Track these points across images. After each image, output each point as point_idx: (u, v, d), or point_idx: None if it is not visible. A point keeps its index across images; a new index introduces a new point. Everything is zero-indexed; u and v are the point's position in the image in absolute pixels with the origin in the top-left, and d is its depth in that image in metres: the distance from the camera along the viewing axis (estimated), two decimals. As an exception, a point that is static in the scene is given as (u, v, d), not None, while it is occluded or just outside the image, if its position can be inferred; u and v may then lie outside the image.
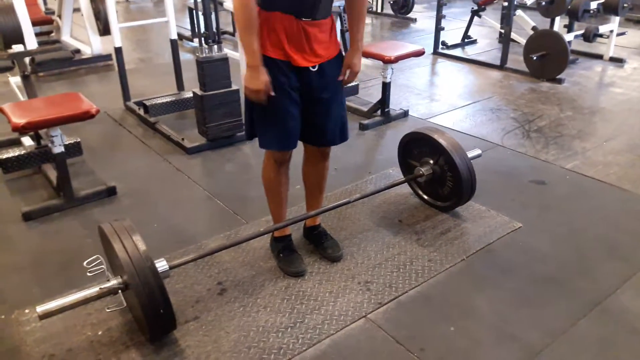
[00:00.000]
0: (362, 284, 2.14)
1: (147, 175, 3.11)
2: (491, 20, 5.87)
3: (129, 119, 3.95)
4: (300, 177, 2.30)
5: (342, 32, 4.41)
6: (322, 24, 1.90)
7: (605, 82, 4.74)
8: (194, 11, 5.27)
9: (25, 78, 3.21)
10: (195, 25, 5.66)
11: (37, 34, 4.62)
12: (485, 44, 5.96)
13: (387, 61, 3.60)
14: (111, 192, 2.84)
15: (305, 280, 2.16)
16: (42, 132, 2.94)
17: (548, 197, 2.81)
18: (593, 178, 2.99)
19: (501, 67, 5.02)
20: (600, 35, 5.04)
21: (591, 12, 4.79)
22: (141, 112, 3.88)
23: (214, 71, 3.25)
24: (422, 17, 7.34)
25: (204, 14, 3.51)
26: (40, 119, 2.48)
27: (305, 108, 1.99)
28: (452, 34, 5.98)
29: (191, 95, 3.58)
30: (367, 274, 2.20)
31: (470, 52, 5.69)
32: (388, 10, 7.57)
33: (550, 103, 4.17)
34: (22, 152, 2.93)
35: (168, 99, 3.94)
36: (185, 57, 5.26)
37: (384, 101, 3.80)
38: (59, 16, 5.72)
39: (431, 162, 2.56)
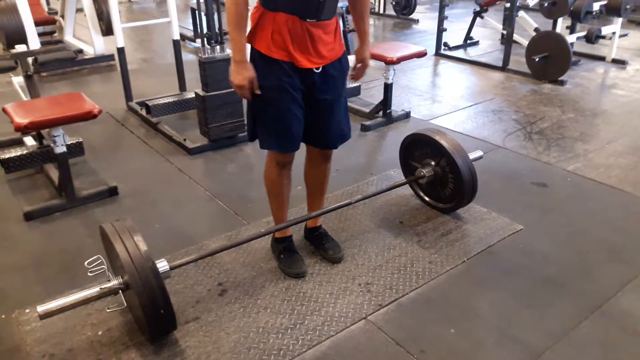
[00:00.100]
0: (363, 285, 2.14)
1: (148, 176, 3.12)
2: (493, 21, 5.87)
3: (131, 119, 3.95)
4: (302, 178, 2.30)
5: (345, 33, 4.41)
6: (326, 25, 1.90)
7: (608, 84, 4.73)
8: (197, 12, 5.27)
9: (28, 78, 3.22)
10: (198, 26, 5.65)
11: (40, 34, 4.63)
12: (488, 46, 5.95)
13: (389, 62, 3.60)
14: (113, 192, 2.85)
15: (305, 281, 2.16)
16: (44, 132, 2.95)
17: (549, 199, 2.80)
18: (594, 180, 2.98)
19: (503, 68, 5.02)
20: (603, 37, 5.04)
21: (593, 13, 4.78)
22: (143, 112, 3.89)
23: (216, 72, 3.26)
24: (424, 18, 7.34)
25: (206, 15, 3.51)
26: (43, 119, 2.49)
27: (307, 110, 1.99)
28: (454, 35, 5.98)
29: (193, 95, 3.59)
30: (368, 275, 2.19)
31: (472, 53, 5.69)
32: (390, 11, 7.57)
33: (552, 105, 4.16)
34: (25, 151, 2.93)
35: (170, 100, 3.95)
36: (188, 57, 5.27)
37: (386, 102, 3.80)
38: (62, 16, 5.74)
39: (433, 163, 2.56)
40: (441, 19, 5.48)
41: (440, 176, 2.55)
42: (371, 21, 7.18)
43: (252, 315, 1.98)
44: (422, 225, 2.55)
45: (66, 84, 4.78)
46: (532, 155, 3.31)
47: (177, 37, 4.08)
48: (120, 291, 1.81)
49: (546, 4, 4.69)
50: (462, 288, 2.14)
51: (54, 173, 2.93)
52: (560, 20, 4.88)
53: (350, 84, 4.13)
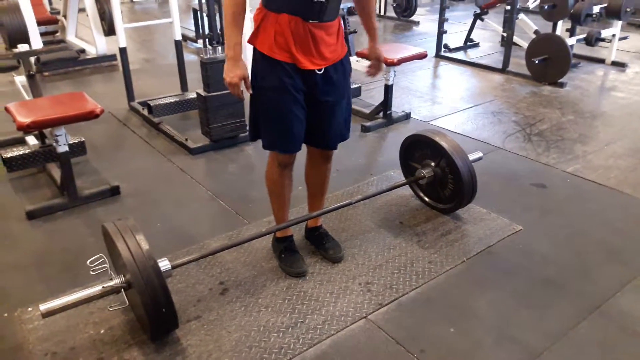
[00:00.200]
0: (363, 285, 2.15)
1: (150, 175, 3.13)
2: (494, 23, 5.89)
3: (133, 119, 3.97)
4: (303, 178, 2.31)
5: (346, 35, 4.42)
6: (329, 27, 1.91)
7: (607, 86, 4.75)
8: (199, 12, 5.30)
9: (30, 77, 3.24)
10: (200, 27, 5.69)
11: (42, 34, 4.65)
12: (488, 48, 5.97)
13: (390, 64, 3.61)
14: (115, 191, 2.86)
15: (306, 280, 2.17)
16: (46, 131, 2.96)
17: (549, 200, 2.82)
18: (594, 182, 3.00)
19: (503, 70, 5.04)
20: (603, 40, 5.05)
21: (593, 16, 4.79)
22: (145, 112, 3.91)
23: (217, 72, 3.27)
24: (425, 20, 7.36)
25: (208, 15, 3.53)
26: (45, 118, 2.50)
27: (309, 111, 2.00)
28: (454, 37, 5.99)
29: (195, 96, 3.61)
30: (368, 275, 2.21)
31: (472, 55, 5.70)
32: (391, 13, 7.59)
33: (552, 107, 4.18)
34: (27, 151, 2.95)
35: (172, 100, 3.97)
36: (190, 58, 5.28)
37: (386, 103, 3.82)
38: (64, 16, 5.76)
39: (432, 164, 2.58)
40: (441, 21, 5.49)
41: (440, 177, 2.56)
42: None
43: (253, 314, 2.00)
44: (421, 225, 2.56)
45: (68, 83, 4.80)
46: (531, 156, 3.32)
47: (179, 37, 4.09)
48: (122, 290, 1.82)
49: (546, 7, 4.70)
50: (462, 288, 2.15)
51: (56, 172, 2.94)
52: (560, 22, 4.90)
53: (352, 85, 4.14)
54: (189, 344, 1.86)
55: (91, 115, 2.60)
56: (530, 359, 1.81)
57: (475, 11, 5.80)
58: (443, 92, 4.60)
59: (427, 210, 2.69)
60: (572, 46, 4.71)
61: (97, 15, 5.10)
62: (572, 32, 5.05)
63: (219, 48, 3.40)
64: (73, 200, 2.74)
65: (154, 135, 3.66)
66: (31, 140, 3.18)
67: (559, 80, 4.62)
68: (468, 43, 5.92)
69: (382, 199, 2.77)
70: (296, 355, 1.82)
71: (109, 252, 1.98)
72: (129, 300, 1.94)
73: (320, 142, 2.12)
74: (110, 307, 1.92)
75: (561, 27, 4.96)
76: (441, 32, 5.54)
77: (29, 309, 2.01)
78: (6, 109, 2.63)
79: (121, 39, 3.88)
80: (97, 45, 5.26)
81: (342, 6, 4.09)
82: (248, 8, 1.93)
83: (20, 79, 3.68)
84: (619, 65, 5.18)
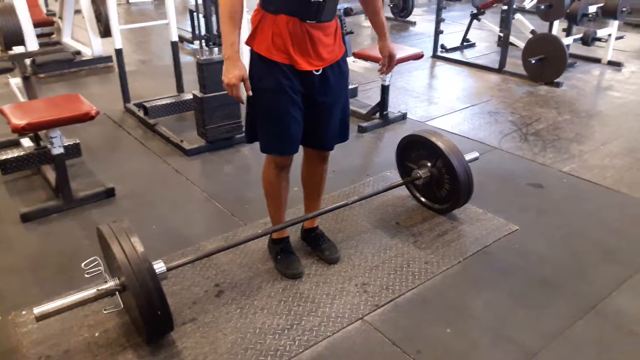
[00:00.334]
0: (359, 286, 2.15)
1: (146, 177, 3.12)
2: (490, 23, 5.89)
3: (128, 120, 3.96)
4: (299, 179, 2.30)
5: (343, 36, 4.42)
6: (326, 27, 1.90)
7: (603, 85, 4.76)
8: (195, 13, 5.29)
9: (25, 79, 3.23)
10: (196, 28, 5.67)
11: (38, 36, 4.63)
12: (484, 48, 5.97)
13: (380, 66, 3.60)
14: (110, 193, 2.85)
15: (302, 282, 2.17)
16: (41, 133, 2.95)
17: (545, 200, 2.82)
18: (590, 181, 3.00)
19: (500, 70, 5.04)
20: (599, 39, 5.06)
21: (590, 16, 4.80)
22: (141, 113, 3.90)
23: (213, 73, 3.26)
24: (422, 20, 7.36)
25: (204, 16, 3.53)
26: (40, 120, 2.49)
27: (306, 112, 1.99)
28: (451, 37, 6.00)
29: (191, 97, 3.60)
30: (364, 276, 2.20)
31: (469, 55, 5.71)
32: (388, 13, 7.58)
33: (548, 106, 4.18)
34: (22, 153, 2.94)
35: (168, 101, 3.96)
36: (186, 59, 5.27)
37: (383, 104, 3.82)
38: (60, 18, 5.75)
39: (429, 164, 2.57)
40: (438, 21, 5.49)
41: (436, 177, 2.56)
42: (367, 23, 7.17)
43: (249, 316, 1.99)
44: (418, 225, 2.56)
45: (64, 85, 4.79)
46: (527, 156, 3.32)
47: (175, 38, 4.08)
48: (117, 292, 1.81)
49: (543, 7, 4.71)
50: (458, 288, 2.15)
51: (51, 174, 2.93)
52: (556, 22, 4.90)
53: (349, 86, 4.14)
54: (184, 346, 1.85)
55: (86, 117, 2.59)
56: (526, 359, 1.80)
57: (471, 11, 5.80)
58: (439, 93, 4.60)
59: (424, 210, 2.69)
60: (568, 46, 4.72)
61: (93, 17, 5.08)
62: (568, 31, 5.06)
63: (215, 49, 3.39)
64: (68, 203, 2.72)
65: (149, 137, 3.65)
66: (26, 142, 3.17)
67: (556, 80, 4.63)
68: (465, 43, 5.92)
69: (379, 199, 2.77)
70: (292, 357, 1.81)
71: (104, 255, 1.97)
72: (123, 303, 1.93)
73: (317, 143, 2.12)
74: (105, 309, 1.90)
75: (557, 27, 4.97)
76: (438, 32, 5.54)
77: (23, 312, 2.00)
78: (1, 111, 2.62)
79: (117, 41, 3.87)
80: (93, 46, 5.24)
81: (339, 7, 4.09)
82: (245, 9, 1.91)
83: (15, 81, 3.67)
84: (615, 64, 5.20)
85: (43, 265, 2.31)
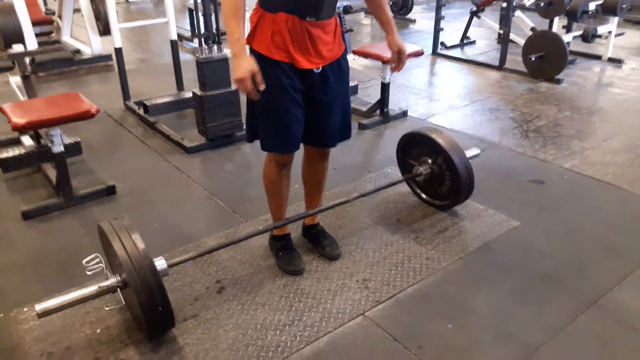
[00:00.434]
0: (360, 282, 2.15)
1: (146, 175, 3.12)
2: (490, 21, 5.88)
3: (129, 118, 3.96)
4: (300, 176, 2.30)
5: (342, 33, 4.42)
6: (325, 25, 1.90)
7: (604, 82, 4.75)
8: (194, 12, 5.29)
9: (25, 78, 3.23)
10: (195, 26, 5.67)
11: (37, 34, 4.62)
12: (484, 45, 5.97)
13: (387, 61, 3.60)
14: (111, 191, 2.85)
15: (303, 278, 2.17)
16: (42, 131, 2.95)
17: (546, 196, 2.82)
18: (591, 177, 2.99)
19: (500, 67, 5.03)
20: (599, 36, 5.05)
21: (590, 13, 4.79)
22: (141, 112, 3.90)
23: (213, 71, 3.27)
24: (422, 17, 7.36)
25: (203, 15, 3.52)
26: (40, 118, 2.49)
27: (307, 109, 1.99)
28: (451, 34, 5.99)
29: (191, 95, 3.59)
30: (365, 272, 2.20)
31: (469, 52, 5.70)
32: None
33: (549, 103, 4.18)
34: (22, 151, 2.93)
35: (168, 99, 3.96)
36: (185, 57, 5.27)
37: (383, 101, 3.81)
38: (59, 16, 5.74)
39: (430, 161, 2.57)
40: (438, 18, 5.49)
41: (437, 174, 2.56)
42: (367, 21, 7.19)
43: (250, 312, 1.99)
44: (419, 222, 2.56)
45: (63, 84, 4.78)
46: (528, 153, 3.32)
47: (174, 37, 4.08)
48: (118, 289, 1.81)
49: (542, 4, 4.70)
50: (459, 284, 2.15)
51: (51, 172, 2.93)
52: (556, 19, 4.89)
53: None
54: (185, 342, 1.85)
55: (87, 115, 2.58)
56: (528, 355, 1.80)
57: (471, 9, 5.80)
58: (440, 90, 4.60)
59: (425, 207, 2.68)
60: (568, 43, 4.71)
61: (92, 16, 5.08)
62: (568, 28, 5.05)
63: (215, 47, 3.39)
64: (69, 200, 2.72)
65: (150, 135, 3.65)
66: (26, 140, 3.17)
67: (556, 77, 4.62)
68: (465, 41, 5.92)
69: (380, 196, 2.77)
70: (293, 353, 1.81)
71: (105, 252, 1.97)
72: (125, 300, 1.93)
73: (317, 140, 2.11)
74: (106, 306, 1.91)
75: (557, 24, 4.96)
76: (438, 29, 5.54)
77: (25, 309, 2.00)
78: (1, 110, 2.62)
79: (117, 39, 3.87)
80: (92, 45, 5.24)
81: (339, 5, 4.10)
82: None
83: (15, 80, 3.67)
84: (616, 61, 5.19)
85: (44, 263, 2.31)
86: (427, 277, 2.18)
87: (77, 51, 5.39)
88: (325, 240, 2.32)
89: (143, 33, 6.69)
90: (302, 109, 1.97)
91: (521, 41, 4.97)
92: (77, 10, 5.52)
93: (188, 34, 6.16)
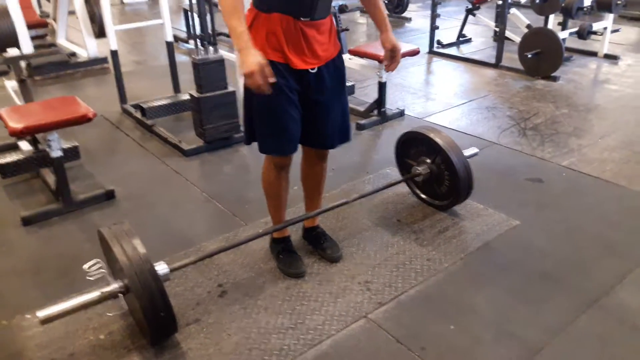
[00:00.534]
0: (362, 284, 2.15)
1: (145, 178, 3.11)
2: (486, 18, 5.89)
3: (126, 122, 3.94)
4: (299, 177, 2.30)
5: (338, 33, 4.41)
6: (320, 25, 1.89)
7: (600, 79, 4.77)
8: (189, 13, 5.27)
9: (21, 82, 3.21)
10: (191, 27, 5.66)
11: (32, 38, 4.60)
12: (480, 43, 5.97)
13: (382, 60, 3.60)
14: (110, 195, 2.84)
15: (305, 281, 2.17)
16: (39, 136, 2.94)
17: (545, 195, 2.83)
18: (589, 175, 3.01)
19: (496, 65, 5.04)
20: (595, 33, 5.06)
21: (585, 9, 4.81)
22: (138, 114, 3.88)
23: (210, 73, 3.26)
24: (417, 16, 7.35)
25: (199, 16, 3.51)
26: (38, 123, 2.48)
27: (303, 111, 1.98)
28: (447, 32, 6.00)
29: (188, 97, 3.59)
30: (367, 273, 2.21)
31: (465, 50, 5.71)
32: (383, 9, 7.56)
33: (546, 101, 4.19)
34: (20, 156, 2.92)
35: (165, 102, 3.95)
36: (181, 59, 5.24)
37: (380, 101, 3.81)
38: (54, 19, 5.71)
39: (428, 161, 2.58)
40: (433, 17, 5.49)
41: (436, 174, 2.56)
42: (363, 20, 7.19)
43: (252, 315, 1.99)
44: (419, 222, 2.56)
45: (60, 87, 4.76)
46: (526, 151, 3.33)
47: (170, 38, 4.07)
48: (120, 295, 1.81)
49: (538, 1, 4.71)
50: (461, 285, 2.15)
51: (50, 178, 2.92)
52: (552, 16, 4.90)
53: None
54: (188, 347, 1.85)
55: (84, 119, 2.57)
56: (529, 354, 1.81)
57: (467, 7, 5.80)
58: (437, 89, 4.61)
59: (424, 207, 2.69)
60: (564, 40, 4.72)
61: (87, 18, 5.05)
62: (564, 25, 5.07)
63: (211, 48, 3.38)
64: (68, 206, 2.72)
65: (147, 138, 3.64)
66: (24, 145, 3.15)
67: (552, 74, 4.63)
68: (460, 39, 5.92)
69: (379, 197, 2.77)
70: (297, 356, 1.81)
71: (106, 257, 1.97)
72: (127, 305, 1.93)
73: (315, 141, 2.11)
74: (108, 312, 1.91)
75: (553, 21, 4.97)
76: (433, 28, 5.53)
77: (27, 316, 2.00)
78: (-2, 115, 2.61)
79: (112, 42, 3.85)
80: (88, 48, 5.21)
81: (334, 4, 4.10)
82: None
83: (11, 84, 3.65)
84: (612, 57, 5.20)
85: (45, 269, 2.30)
86: (428, 278, 2.18)
87: (73, 54, 5.37)
88: (325, 243, 2.33)
89: (138, 35, 6.66)
90: (299, 109, 1.96)
91: (517, 39, 4.98)
92: (71, 13, 5.49)
93: (184, 35, 6.13)
